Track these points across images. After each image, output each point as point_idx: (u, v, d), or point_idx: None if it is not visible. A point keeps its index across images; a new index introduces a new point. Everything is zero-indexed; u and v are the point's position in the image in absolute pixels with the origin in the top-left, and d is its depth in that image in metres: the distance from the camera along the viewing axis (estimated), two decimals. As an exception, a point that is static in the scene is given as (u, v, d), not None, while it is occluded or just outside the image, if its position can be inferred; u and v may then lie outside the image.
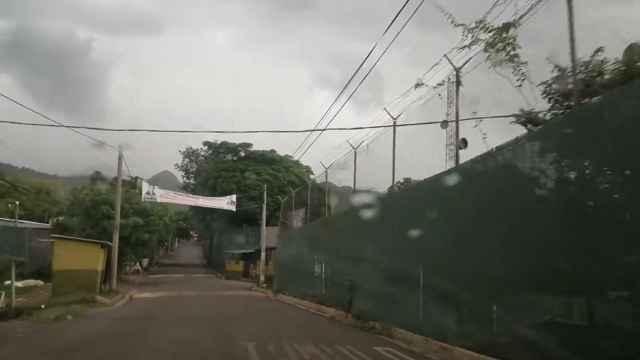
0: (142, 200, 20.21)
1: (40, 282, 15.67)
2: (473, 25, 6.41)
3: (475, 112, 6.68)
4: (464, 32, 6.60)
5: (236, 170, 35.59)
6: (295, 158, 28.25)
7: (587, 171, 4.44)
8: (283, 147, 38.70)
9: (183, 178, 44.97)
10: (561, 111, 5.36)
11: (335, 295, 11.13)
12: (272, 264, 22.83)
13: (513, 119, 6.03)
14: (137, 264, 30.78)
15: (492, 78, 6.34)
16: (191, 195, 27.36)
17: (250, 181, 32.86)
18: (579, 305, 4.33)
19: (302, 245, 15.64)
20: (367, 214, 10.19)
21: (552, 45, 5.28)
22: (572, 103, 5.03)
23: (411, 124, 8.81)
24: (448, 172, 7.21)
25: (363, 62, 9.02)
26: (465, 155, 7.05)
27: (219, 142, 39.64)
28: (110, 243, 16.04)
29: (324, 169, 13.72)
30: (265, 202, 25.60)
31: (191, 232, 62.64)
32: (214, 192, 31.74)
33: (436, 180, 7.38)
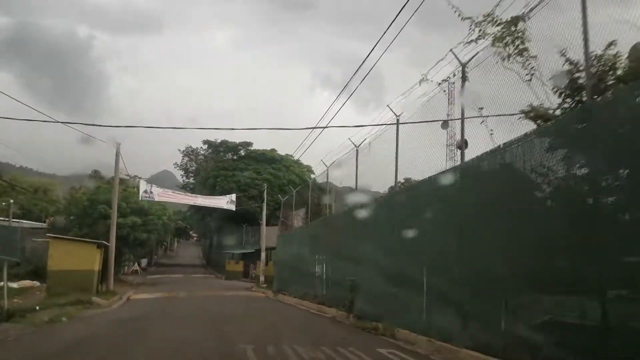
0: (140, 199, 19.98)
1: (36, 283, 15.44)
2: (481, 18, 6.21)
3: (481, 108, 6.49)
4: (470, 25, 6.40)
5: (236, 169, 35.39)
6: (296, 157, 28.07)
7: (600, 168, 4.27)
8: (283, 146, 38.65)
9: (182, 177, 44.79)
10: (572, 106, 5.16)
11: (336, 295, 10.96)
12: (272, 264, 22.65)
13: (520, 116, 5.83)
14: (136, 264, 30.55)
15: (499, 73, 6.17)
16: (190, 194, 27.15)
17: (248, 180, 32.60)
18: (597, 306, 4.15)
19: (303, 245, 15.47)
20: (369, 213, 10.02)
21: (564, 39, 5.09)
22: (585, 98, 4.84)
23: (414, 122, 8.63)
24: (452, 169, 7.03)
25: (363, 62, 8.89)
26: (466, 156, 6.96)
27: (218, 140, 39.47)
28: (107, 243, 15.81)
29: (325, 168, 13.53)
30: (265, 201, 25.39)
31: (191, 232, 62.41)
32: (213, 191, 31.52)
33: (440, 179, 7.21)
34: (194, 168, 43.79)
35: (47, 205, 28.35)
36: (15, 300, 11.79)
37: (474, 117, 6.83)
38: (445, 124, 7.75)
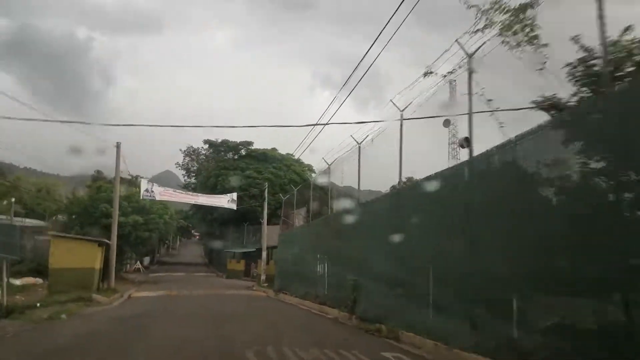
0: (141, 197, 19.90)
1: (39, 280, 15.40)
2: (488, 6, 5.97)
3: (490, 100, 6.25)
4: (477, 14, 6.16)
5: (237, 168, 35.29)
6: (297, 155, 27.87)
7: (621, 160, 4.02)
8: (284, 146, 38.43)
9: (184, 177, 44.79)
10: (588, 95, 4.92)
11: (338, 295, 10.74)
12: (273, 263, 22.50)
13: (532, 107, 5.59)
14: (138, 262, 30.54)
15: (508, 64, 5.93)
16: (191, 193, 27.03)
17: (242, 183, 32.41)
18: (619, 310, 3.90)
19: (304, 244, 15.28)
20: (372, 211, 9.80)
21: (577, 25, 4.85)
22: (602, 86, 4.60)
23: (419, 118, 8.40)
24: (460, 165, 6.79)
25: (362, 59, 8.72)
26: (469, 155, 6.69)
27: (219, 140, 39.40)
28: (108, 241, 15.74)
29: (327, 166, 13.32)
30: (266, 200, 25.24)
31: (193, 231, 62.48)
32: (214, 190, 31.43)
33: (446, 175, 6.97)
34: (195, 168, 43.78)
35: (50, 205, 28.41)
36: (18, 297, 11.75)
37: (482, 111, 6.59)
38: (447, 122, 7.54)
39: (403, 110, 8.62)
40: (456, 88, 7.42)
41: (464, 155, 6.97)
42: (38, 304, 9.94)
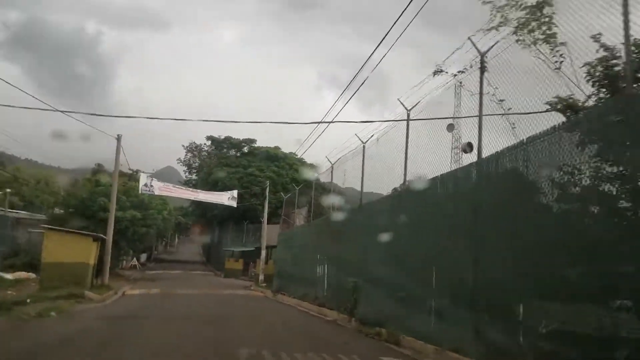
0: (140, 192, 19.66)
1: (32, 275, 15.16)
2: (503, 2, 5.72)
3: (502, 100, 5.99)
4: (491, 11, 5.91)
5: (239, 165, 35.08)
6: (300, 154, 27.63)
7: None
8: (286, 146, 38.16)
9: (185, 173, 44.59)
10: (608, 96, 4.67)
11: (337, 297, 10.53)
12: (272, 263, 22.26)
13: (546, 109, 5.33)
14: (134, 259, 30.29)
15: (523, 63, 5.68)
16: (191, 189, 26.81)
17: (250, 177, 32.18)
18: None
19: (304, 244, 15.07)
20: (375, 212, 9.58)
21: (598, 23, 4.60)
22: (625, 86, 4.34)
23: (426, 119, 8.15)
24: (467, 167, 6.55)
25: (367, 61, 8.50)
26: (470, 160, 6.51)
27: (222, 137, 39.19)
28: (103, 236, 15.48)
29: (330, 165, 13.07)
30: (267, 198, 25.00)
31: (191, 229, 62.19)
32: (215, 187, 31.23)
33: (452, 177, 6.74)
34: (197, 164, 43.58)
35: (49, 197, 28.19)
36: (9, 292, 11.50)
37: (493, 114, 6.32)
38: (450, 127, 7.42)
39: (410, 109, 8.37)
40: (461, 92, 7.23)
41: (466, 160, 6.81)
42: (28, 300, 9.68)
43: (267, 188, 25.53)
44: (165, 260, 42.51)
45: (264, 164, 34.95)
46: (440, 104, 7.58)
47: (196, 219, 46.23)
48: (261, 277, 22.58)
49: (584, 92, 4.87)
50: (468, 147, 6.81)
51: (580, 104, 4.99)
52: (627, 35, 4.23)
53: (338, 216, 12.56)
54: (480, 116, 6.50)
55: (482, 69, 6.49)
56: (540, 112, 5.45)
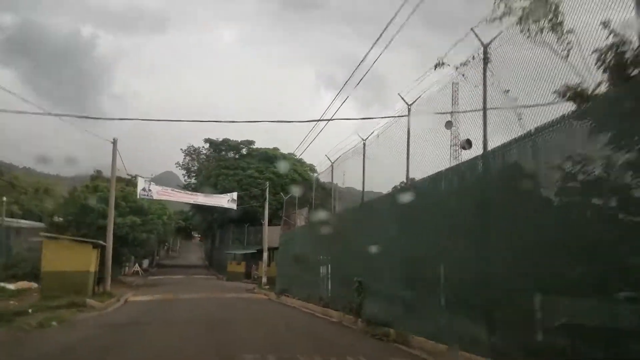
0: (138, 197, 19.47)
1: (34, 284, 14.96)
2: (507, -10, 5.56)
3: (507, 91, 5.84)
4: (495, 1, 5.75)
5: (238, 168, 34.88)
6: (299, 153, 27.43)
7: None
8: (286, 147, 38.02)
9: (184, 177, 44.36)
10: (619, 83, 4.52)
11: (342, 297, 10.35)
12: (274, 265, 22.09)
13: (554, 98, 5.18)
14: (137, 265, 30.10)
15: (528, 52, 5.53)
16: (190, 192, 26.58)
17: (249, 179, 31.97)
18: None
19: (306, 244, 14.89)
20: (379, 209, 9.42)
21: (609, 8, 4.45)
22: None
23: (428, 113, 7.99)
24: (473, 160, 6.39)
25: (363, 59, 8.34)
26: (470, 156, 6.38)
27: (220, 139, 38.99)
28: (103, 243, 15.30)
29: (330, 164, 12.91)
30: (267, 200, 24.83)
31: (193, 233, 62.01)
32: (215, 190, 31.04)
33: (458, 171, 6.59)
34: (195, 168, 43.35)
35: (47, 206, 27.97)
36: (12, 302, 11.32)
37: (498, 108, 6.18)
38: (449, 124, 7.37)
39: (411, 104, 8.21)
40: (462, 87, 7.13)
41: (465, 157, 6.70)
42: (29, 310, 9.51)
43: (267, 189, 25.35)
44: (168, 265, 42.34)
45: (263, 166, 34.76)
46: (442, 96, 7.45)
47: (197, 223, 46.00)
48: (264, 279, 22.41)
49: (594, 80, 4.73)
50: (467, 144, 6.72)
51: (590, 92, 4.84)
52: None
53: (340, 215, 12.41)
54: (484, 109, 6.35)
55: (486, 60, 6.34)
56: (550, 103, 5.30)
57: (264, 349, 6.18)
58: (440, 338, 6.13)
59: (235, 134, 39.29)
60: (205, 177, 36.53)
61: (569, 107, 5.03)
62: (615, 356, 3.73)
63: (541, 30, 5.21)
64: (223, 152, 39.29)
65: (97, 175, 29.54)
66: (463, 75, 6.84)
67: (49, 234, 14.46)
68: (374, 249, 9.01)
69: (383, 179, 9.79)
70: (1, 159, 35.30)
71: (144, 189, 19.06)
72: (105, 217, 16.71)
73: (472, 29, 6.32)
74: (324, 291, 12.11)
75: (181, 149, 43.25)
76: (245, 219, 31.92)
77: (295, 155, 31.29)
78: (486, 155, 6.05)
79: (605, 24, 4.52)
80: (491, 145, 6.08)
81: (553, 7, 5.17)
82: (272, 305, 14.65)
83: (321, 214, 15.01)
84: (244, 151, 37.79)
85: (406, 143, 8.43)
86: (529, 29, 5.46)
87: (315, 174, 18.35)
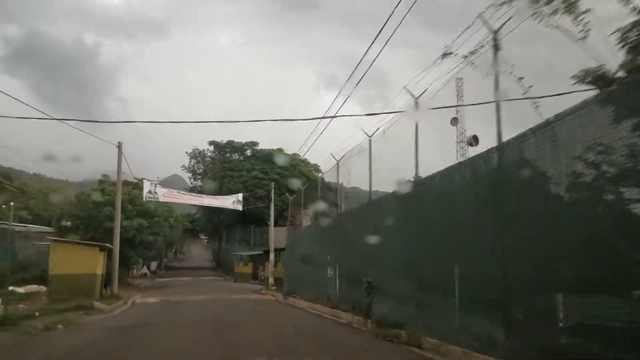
0: (144, 199, 19.52)
1: (43, 288, 15.05)
2: (518, -28, 5.28)
3: (522, 78, 5.54)
4: (504, -17, 5.47)
5: (242, 169, 34.89)
6: (304, 151, 27.27)
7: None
8: (288, 148, 37.88)
9: (190, 179, 44.57)
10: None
11: (351, 298, 10.11)
12: (281, 266, 21.94)
13: (573, 83, 4.88)
14: (145, 267, 30.27)
15: (541, 37, 5.24)
16: (195, 194, 26.61)
17: (254, 181, 31.88)
18: None
19: (313, 245, 14.68)
20: (387, 207, 9.15)
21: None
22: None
23: (435, 108, 7.72)
24: (488, 152, 6.09)
25: (363, 56, 8.10)
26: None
27: (224, 141, 39.09)
28: (110, 246, 15.32)
29: (335, 163, 12.67)
30: (272, 201, 24.70)
31: (201, 235, 62.35)
32: (220, 192, 31.06)
33: (471, 164, 6.30)
34: (201, 170, 43.54)
35: (56, 210, 28.33)
36: (21, 305, 11.37)
37: (513, 99, 5.88)
38: (454, 121, 7.08)
39: (418, 97, 7.93)
40: (460, 89, 6.87)
41: (472, 154, 6.40)
42: (37, 313, 9.50)
43: (272, 190, 25.22)
44: (175, 267, 42.56)
45: (268, 167, 34.69)
46: (448, 89, 7.19)
47: (203, 224, 46.19)
48: (271, 280, 22.27)
49: (616, 62, 4.42)
50: (474, 140, 6.61)
51: (612, 74, 4.53)
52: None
53: (348, 213, 12.18)
54: (497, 101, 6.05)
55: (496, 47, 6.04)
56: (570, 92, 5.00)
57: (271, 351, 6.02)
58: (454, 340, 5.86)
59: (238, 137, 39.36)
60: (211, 179, 36.65)
61: (586, 94, 4.74)
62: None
63: (555, 12, 4.91)
64: (228, 154, 39.38)
65: (104, 180, 29.80)
66: (472, 64, 6.55)
67: (55, 238, 14.53)
68: (383, 248, 8.76)
69: (389, 177, 9.52)
70: (11, 166, 35.91)
71: (150, 192, 19.09)
72: (112, 220, 16.77)
73: (480, 15, 6.04)
74: (332, 292, 11.88)
75: (186, 152, 43.54)
76: (252, 220, 31.89)
77: (300, 156, 31.16)
78: (501, 147, 5.75)
79: (626, 1, 4.22)
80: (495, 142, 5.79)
81: None
82: (279, 307, 14.48)
83: (327, 214, 14.79)
84: (248, 153, 37.79)
85: (414, 138, 8.15)
86: (541, 12, 5.18)
87: (320, 174, 18.14)
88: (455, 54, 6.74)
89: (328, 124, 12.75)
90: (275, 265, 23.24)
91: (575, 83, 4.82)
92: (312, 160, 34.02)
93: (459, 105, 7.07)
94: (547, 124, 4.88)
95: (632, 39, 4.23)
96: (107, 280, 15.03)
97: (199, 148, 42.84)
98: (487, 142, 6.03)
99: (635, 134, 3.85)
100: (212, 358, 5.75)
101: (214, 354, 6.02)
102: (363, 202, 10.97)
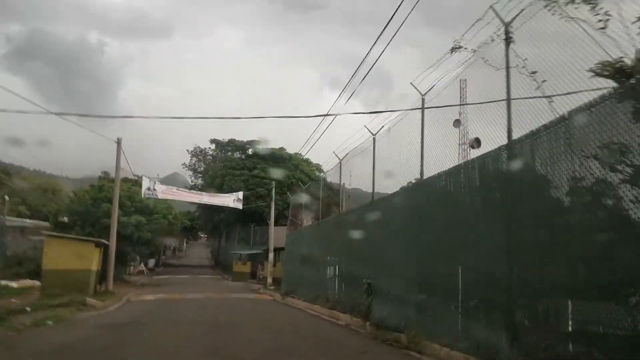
0: (143, 196, 19.30)
1: (37, 283, 14.85)
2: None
3: (534, 72, 5.28)
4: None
5: (244, 168, 34.66)
6: (307, 148, 27.06)
7: None
8: (290, 148, 37.69)
9: (191, 177, 44.41)
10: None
11: (350, 299, 9.88)
12: (280, 265, 21.70)
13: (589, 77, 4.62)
14: (142, 264, 30.05)
15: (556, 29, 4.99)
16: (195, 192, 26.37)
17: (256, 179, 31.68)
18: None
19: (313, 245, 14.46)
20: (389, 207, 8.91)
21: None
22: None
23: (441, 107, 7.47)
24: (496, 151, 5.84)
25: (366, 56, 7.90)
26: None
27: (226, 140, 38.93)
28: (106, 242, 15.10)
29: (338, 162, 12.43)
30: (273, 200, 24.48)
31: (200, 234, 62.19)
32: (221, 191, 30.85)
33: (479, 164, 6.05)
34: (202, 168, 43.37)
35: (54, 205, 28.18)
36: (13, 300, 11.16)
37: (527, 97, 5.62)
38: (457, 123, 7.03)
39: (425, 94, 7.68)
40: (464, 91, 6.72)
41: (473, 156, 6.34)
42: (28, 309, 9.27)
43: (273, 189, 24.99)
44: (174, 265, 42.32)
45: (270, 166, 34.48)
46: (454, 89, 6.96)
47: (203, 223, 45.99)
48: (269, 280, 22.04)
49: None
50: (476, 143, 6.45)
51: (631, 67, 4.26)
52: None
53: (350, 213, 11.94)
54: (508, 92, 5.79)
55: (508, 41, 5.78)
56: (578, 91, 4.73)
57: (269, 354, 5.82)
58: (457, 345, 5.63)
59: (239, 136, 39.19)
60: (212, 178, 36.47)
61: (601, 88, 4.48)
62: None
63: (572, 1, 4.66)
64: (229, 153, 39.19)
65: (104, 177, 29.68)
66: (482, 58, 6.30)
67: (50, 232, 14.33)
68: (384, 248, 8.53)
69: (392, 177, 9.29)
70: (11, 162, 35.82)
71: (148, 188, 18.87)
72: (110, 217, 16.56)
73: (491, 7, 5.79)
74: (331, 293, 11.66)
75: (187, 150, 43.40)
76: (252, 219, 31.66)
77: (302, 155, 30.93)
78: (511, 145, 5.49)
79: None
80: (500, 143, 5.59)
81: None
82: (277, 307, 14.23)
83: (329, 214, 14.55)
84: (250, 151, 37.60)
85: (418, 137, 7.91)
86: (556, 1, 4.93)
87: (322, 174, 17.93)
88: (465, 49, 6.52)
89: (331, 122, 12.53)
90: (274, 265, 23.00)
91: (592, 77, 4.56)
92: (315, 161, 33.86)
93: (466, 104, 6.82)
94: (561, 120, 4.62)
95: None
96: (102, 277, 14.81)
97: (200, 146, 42.73)
98: (489, 145, 5.91)
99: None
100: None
101: (209, 356, 5.78)
102: (364, 203, 10.74)
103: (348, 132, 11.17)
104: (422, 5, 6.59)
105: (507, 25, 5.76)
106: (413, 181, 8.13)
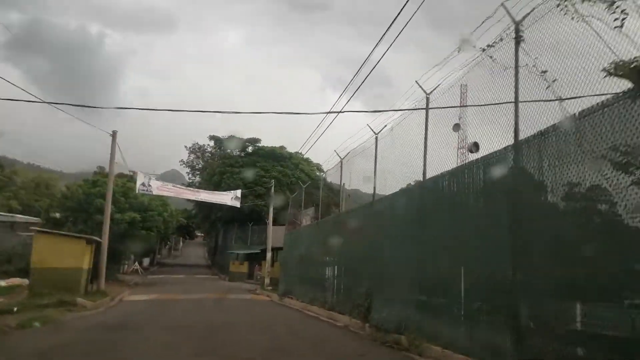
0: (137, 191, 18.91)
1: (26, 281, 14.46)
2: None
3: (545, 72, 5.12)
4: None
5: (243, 165, 34.32)
6: (307, 147, 26.84)
7: None
8: (291, 147, 37.37)
9: (189, 175, 43.93)
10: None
11: (349, 300, 9.71)
12: (278, 265, 21.46)
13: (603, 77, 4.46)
14: (136, 263, 29.61)
15: (567, 27, 4.83)
16: (192, 189, 26.02)
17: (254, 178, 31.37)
18: None
19: (312, 245, 14.26)
20: (390, 207, 8.74)
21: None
22: None
23: (447, 107, 7.30)
24: (502, 151, 5.68)
25: (368, 57, 7.71)
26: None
27: (225, 136, 38.52)
28: (98, 239, 14.73)
29: (339, 161, 12.23)
30: (272, 198, 24.21)
31: (196, 232, 61.66)
32: (219, 188, 30.50)
33: (484, 163, 5.90)
34: (200, 165, 42.91)
35: (46, 200, 27.65)
36: (1, 299, 10.81)
37: (538, 100, 5.45)
38: (456, 127, 7.06)
39: (430, 93, 7.51)
40: (466, 94, 6.63)
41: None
42: (15, 309, 8.93)
43: (272, 188, 24.72)
44: (169, 264, 41.86)
45: (269, 164, 34.18)
46: (454, 94, 6.84)
47: (200, 221, 45.55)
48: (267, 280, 21.79)
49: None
50: (474, 147, 6.40)
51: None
52: None
53: (349, 213, 11.76)
54: (516, 97, 5.62)
55: (518, 40, 5.62)
56: (605, 94, 4.57)
57: (267, 357, 5.62)
58: (459, 348, 5.51)
59: (240, 133, 38.62)
60: (210, 175, 36.06)
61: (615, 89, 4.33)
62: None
63: (587, -1, 4.49)
64: (228, 150, 38.77)
65: (100, 172, 29.20)
66: (491, 57, 6.13)
67: (39, 228, 13.94)
68: (384, 249, 8.37)
69: (394, 177, 9.13)
70: (5, 154, 35.18)
71: (143, 184, 18.47)
72: (103, 213, 16.21)
73: (502, 4, 5.62)
74: (329, 294, 11.50)
75: (185, 147, 42.95)
76: (250, 218, 31.34)
77: (302, 154, 30.71)
78: (518, 145, 5.33)
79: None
80: (500, 145, 5.46)
81: None
82: (274, 308, 14.01)
83: (328, 214, 14.35)
84: (249, 149, 37.23)
85: (422, 136, 7.74)
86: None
87: (323, 173, 17.75)
88: (473, 46, 6.35)
89: (332, 121, 12.34)
90: (272, 265, 22.75)
91: (605, 76, 4.40)
92: (316, 161, 33.63)
93: (470, 105, 6.67)
94: (573, 118, 4.47)
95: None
96: (93, 276, 14.45)
97: (199, 143, 42.28)
98: (488, 150, 5.81)
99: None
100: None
101: (204, 357, 5.55)
102: (364, 203, 10.57)
103: (349, 131, 10.99)
104: (425, 6, 6.46)
105: (517, 24, 5.60)
106: (413, 183, 7.99)
